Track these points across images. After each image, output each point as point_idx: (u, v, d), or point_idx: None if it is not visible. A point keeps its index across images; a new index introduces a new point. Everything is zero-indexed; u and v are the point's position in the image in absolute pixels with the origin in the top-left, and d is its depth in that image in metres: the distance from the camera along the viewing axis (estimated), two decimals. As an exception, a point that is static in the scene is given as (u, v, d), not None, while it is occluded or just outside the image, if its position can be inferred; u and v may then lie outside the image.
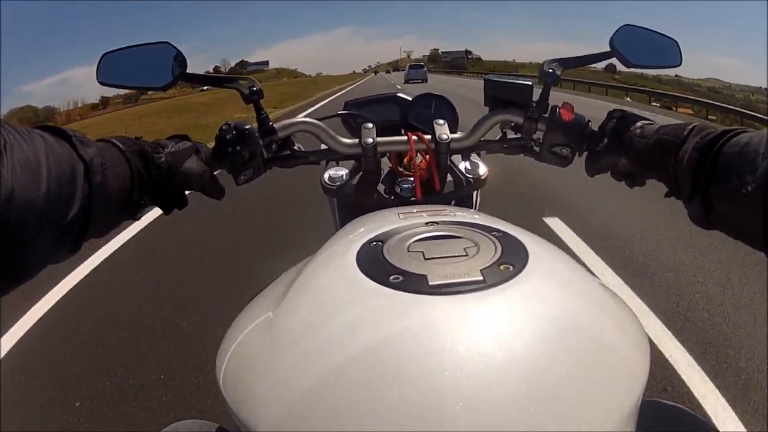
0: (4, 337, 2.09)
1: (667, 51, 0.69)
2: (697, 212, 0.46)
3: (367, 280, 0.36)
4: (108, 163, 0.44)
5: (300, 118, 0.69)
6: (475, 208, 0.77)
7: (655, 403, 0.54)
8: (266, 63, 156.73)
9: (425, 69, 41.65)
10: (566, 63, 0.65)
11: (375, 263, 0.38)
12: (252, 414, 0.32)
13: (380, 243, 0.41)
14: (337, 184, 0.70)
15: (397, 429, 0.27)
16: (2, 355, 1.98)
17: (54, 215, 0.37)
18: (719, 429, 0.52)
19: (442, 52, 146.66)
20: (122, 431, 1.50)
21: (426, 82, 33.85)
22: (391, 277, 0.36)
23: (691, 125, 0.50)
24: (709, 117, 12.89)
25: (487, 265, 0.37)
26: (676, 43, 0.69)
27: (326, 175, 0.71)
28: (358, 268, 0.38)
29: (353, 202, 0.71)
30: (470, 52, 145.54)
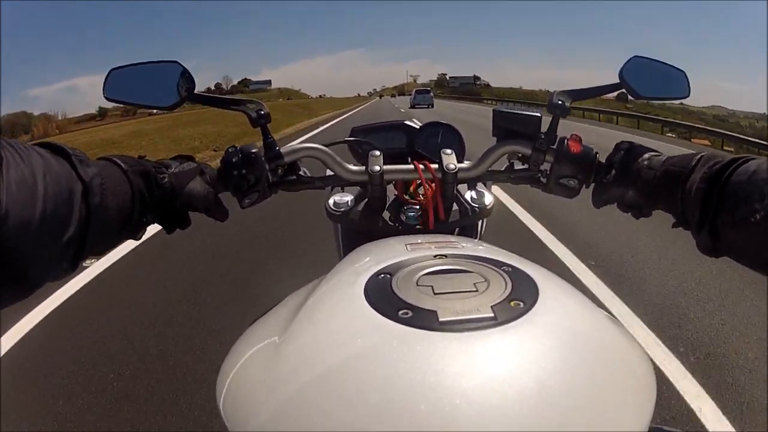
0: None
1: (675, 82, 0.71)
2: (706, 242, 0.46)
3: (376, 314, 0.36)
4: (108, 183, 0.44)
5: (307, 143, 0.70)
6: (480, 237, 0.79)
7: (658, 430, 0.54)
8: (269, 82, 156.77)
9: (431, 94, 42.28)
10: (575, 95, 0.67)
11: (384, 297, 0.38)
12: None
13: (389, 275, 0.42)
14: (342, 210, 0.71)
15: None
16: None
17: (50, 236, 0.37)
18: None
19: (449, 78, 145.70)
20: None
21: (432, 107, 34.22)
22: (400, 312, 0.36)
23: (699, 155, 0.51)
24: (725, 148, 12.74)
25: (498, 301, 0.37)
26: (684, 74, 0.71)
27: (331, 201, 0.72)
28: (366, 301, 0.38)
29: (358, 229, 0.72)
30: (479, 78, 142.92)
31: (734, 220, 0.42)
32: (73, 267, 0.42)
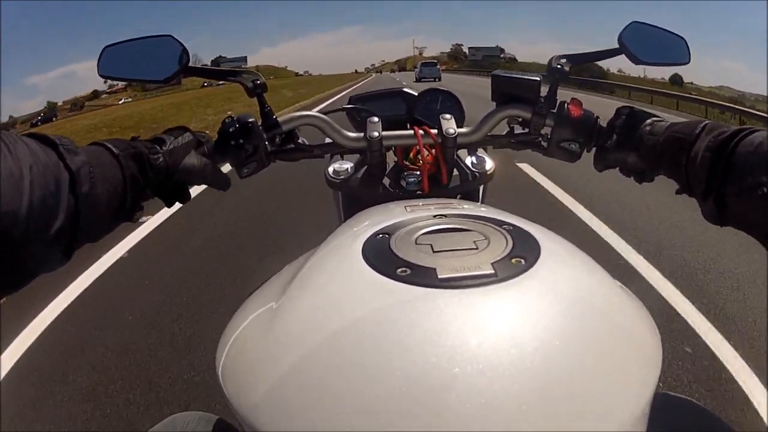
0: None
1: (676, 48, 0.77)
2: (712, 211, 0.51)
3: (374, 272, 0.38)
4: (97, 170, 0.47)
5: (304, 111, 0.76)
6: (481, 203, 0.84)
7: (665, 396, 0.58)
8: (244, 59, 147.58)
9: (438, 67, 42.97)
10: (574, 59, 0.73)
11: (382, 256, 0.41)
12: (251, 407, 0.34)
13: (387, 235, 0.45)
14: (342, 177, 0.78)
15: (404, 426, 0.29)
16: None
17: (38, 227, 0.39)
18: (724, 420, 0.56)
19: (469, 48, 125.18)
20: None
21: (439, 80, 34.30)
22: (399, 270, 0.38)
23: (703, 123, 0.55)
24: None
25: (499, 258, 0.39)
26: (684, 40, 0.77)
27: (331, 169, 0.79)
28: (364, 261, 0.40)
29: (358, 196, 0.79)
30: (503, 50, 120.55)
31: (741, 191, 0.46)
32: (67, 257, 0.45)
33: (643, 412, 0.33)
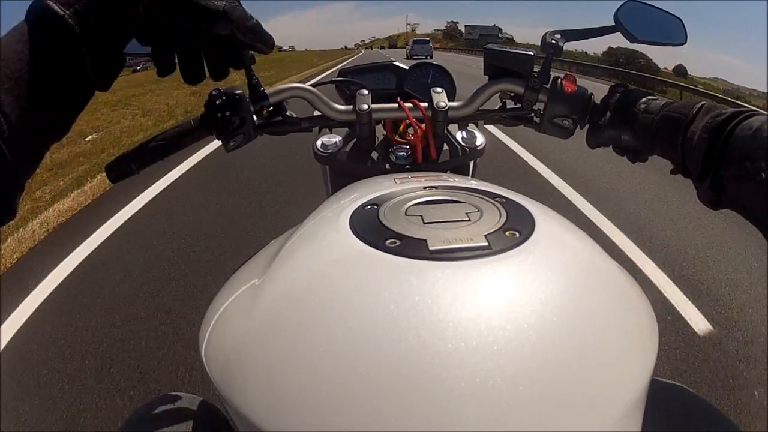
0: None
1: (672, 29, 0.78)
2: (708, 193, 0.51)
3: (362, 244, 0.38)
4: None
5: (292, 83, 0.75)
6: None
7: (655, 381, 0.57)
8: None
9: (430, 44, 43.20)
10: (569, 35, 0.73)
11: (370, 227, 0.40)
12: (235, 389, 0.33)
13: (375, 206, 0.44)
14: (330, 151, 0.78)
15: (392, 405, 0.28)
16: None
17: None
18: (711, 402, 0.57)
19: (466, 27, 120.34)
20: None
21: (431, 59, 35.12)
22: (388, 242, 0.37)
23: (699, 103, 0.55)
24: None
25: (492, 230, 0.39)
26: (681, 21, 0.77)
27: (319, 143, 0.79)
28: (351, 232, 0.39)
29: (346, 170, 0.79)
30: (500, 30, 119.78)
31: (738, 175, 0.46)
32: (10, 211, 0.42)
33: (643, 391, 0.33)
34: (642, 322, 0.38)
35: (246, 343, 0.35)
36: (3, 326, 2.16)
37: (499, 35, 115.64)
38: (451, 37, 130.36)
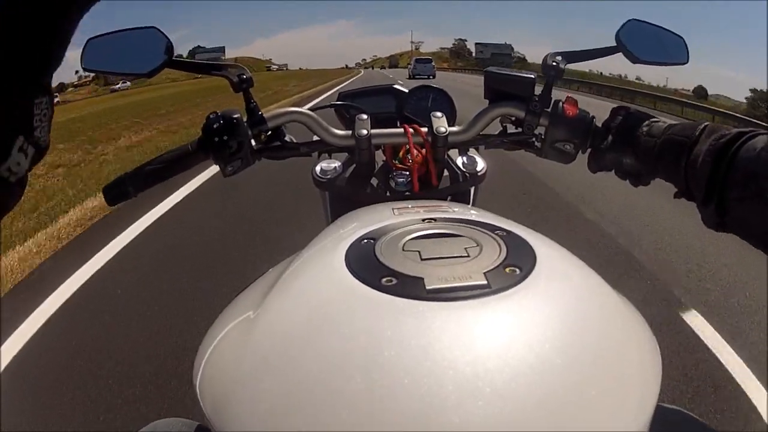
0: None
1: (674, 47, 0.79)
2: (712, 216, 0.51)
3: (356, 282, 0.37)
4: None
5: (291, 108, 0.77)
6: (472, 205, 0.85)
7: (658, 407, 0.64)
8: (222, 50, 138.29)
9: (433, 64, 43.10)
10: (570, 57, 0.74)
11: (366, 263, 0.40)
12: (225, 421, 0.34)
13: (372, 241, 0.44)
14: (329, 176, 0.79)
15: None
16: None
17: None
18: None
19: (476, 45, 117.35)
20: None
21: (434, 78, 34.62)
22: (384, 280, 0.37)
23: (702, 125, 0.56)
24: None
25: (492, 267, 0.39)
26: (683, 39, 0.79)
27: (318, 168, 0.80)
28: (346, 269, 0.39)
29: (346, 196, 0.79)
30: (512, 48, 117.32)
31: (743, 197, 0.47)
32: None
33: (645, 424, 0.33)
34: (645, 353, 0.38)
35: (238, 378, 0.36)
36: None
37: (512, 54, 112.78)
38: (459, 55, 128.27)
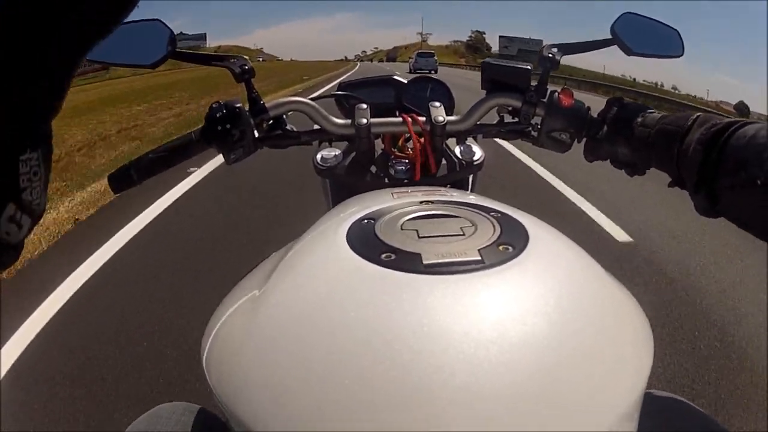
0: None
1: (669, 40, 0.84)
2: (704, 204, 0.54)
3: (357, 257, 0.41)
4: None
5: (292, 97, 0.82)
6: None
7: (652, 394, 0.62)
8: (203, 36, 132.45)
9: (435, 58, 42.88)
10: (566, 48, 0.79)
11: (366, 241, 0.43)
12: (235, 397, 0.36)
13: (372, 221, 0.48)
14: (330, 164, 0.84)
15: (387, 416, 0.31)
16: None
17: None
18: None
19: (500, 38, 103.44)
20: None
21: (436, 72, 34.01)
22: (383, 256, 0.40)
23: (695, 115, 0.59)
24: None
25: (486, 245, 0.42)
26: (677, 32, 0.84)
27: (319, 156, 0.84)
28: (348, 246, 0.43)
29: (346, 183, 0.85)
30: (542, 44, 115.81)
31: (733, 185, 0.50)
32: None
33: (635, 405, 0.35)
34: (636, 333, 0.41)
35: (246, 355, 0.39)
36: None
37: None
38: (476, 50, 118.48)
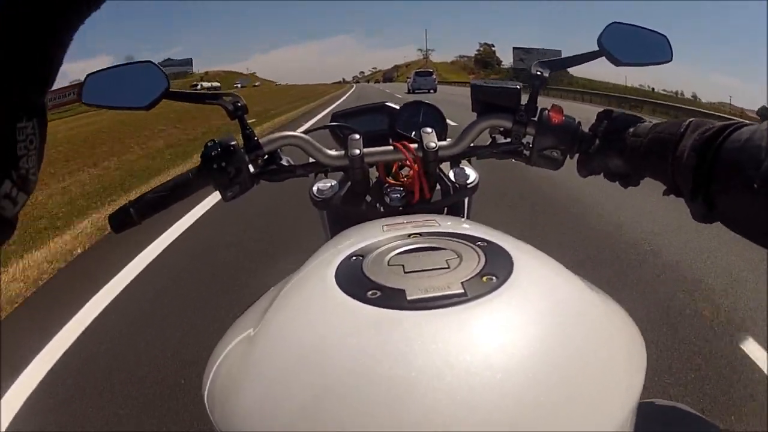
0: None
1: (657, 47, 0.86)
2: (700, 210, 0.55)
3: (345, 296, 0.43)
4: None
5: (285, 132, 0.85)
6: (467, 216, 0.93)
7: (652, 403, 0.63)
8: (189, 62, 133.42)
9: (434, 77, 42.90)
10: (554, 65, 0.81)
11: (353, 279, 0.46)
12: (233, 428, 0.39)
13: (360, 257, 0.50)
14: (326, 196, 0.86)
15: None
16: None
17: None
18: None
19: (515, 50, 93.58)
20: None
21: (435, 92, 34.08)
22: (369, 293, 0.43)
23: (687, 121, 0.60)
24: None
25: (470, 276, 0.44)
26: (666, 38, 0.86)
27: (315, 188, 0.87)
28: (336, 285, 0.45)
29: (343, 214, 0.87)
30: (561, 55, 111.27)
31: (729, 188, 0.51)
32: None
33: (629, 417, 0.37)
34: (627, 346, 0.42)
35: (243, 391, 0.41)
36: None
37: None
38: (486, 65, 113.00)
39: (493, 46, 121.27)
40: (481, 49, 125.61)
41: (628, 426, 0.38)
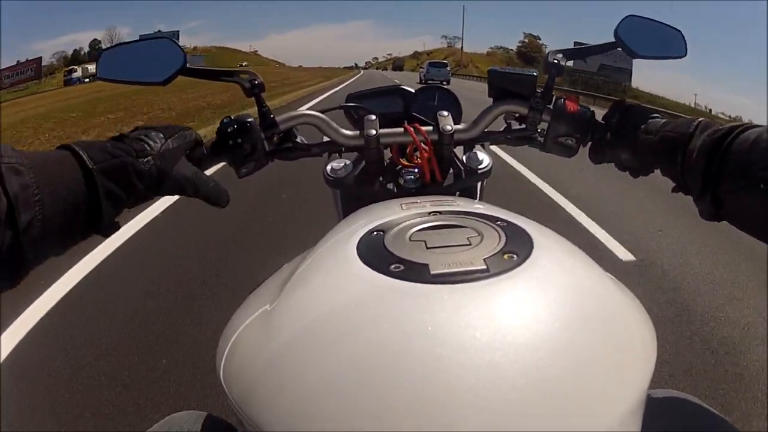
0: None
1: (672, 42, 0.91)
2: (708, 209, 0.58)
3: (368, 269, 0.45)
4: (48, 190, 0.47)
5: (302, 110, 0.88)
6: (480, 199, 0.96)
7: (664, 392, 0.67)
8: (176, 34, 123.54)
9: (448, 68, 42.81)
10: (570, 54, 0.85)
11: (376, 252, 0.47)
12: (253, 408, 0.40)
13: (381, 233, 0.52)
14: (339, 175, 0.90)
15: (398, 422, 0.34)
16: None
17: None
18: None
19: (575, 44, 74.78)
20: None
21: (448, 84, 33.02)
22: (392, 267, 0.44)
23: (697, 121, 0.63)
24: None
25: (491, 254, 0.46)
26: (681, 33, 0.90)
27: (329, 167, 0.91)
28: (358, 258, 0.47)
29: (356, 194, 0.91)
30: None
31: (737, 188, 0.53)
32: (12, 284, 0.47)
33: (638, 407, 0.38)
34: (638, 334, 0.44)
35: (262, 367, 0.42)
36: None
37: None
38: (530, 60, 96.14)
39: (539, 38, 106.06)
40: (526, 40, 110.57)
41: (638, 413, 0.40)
